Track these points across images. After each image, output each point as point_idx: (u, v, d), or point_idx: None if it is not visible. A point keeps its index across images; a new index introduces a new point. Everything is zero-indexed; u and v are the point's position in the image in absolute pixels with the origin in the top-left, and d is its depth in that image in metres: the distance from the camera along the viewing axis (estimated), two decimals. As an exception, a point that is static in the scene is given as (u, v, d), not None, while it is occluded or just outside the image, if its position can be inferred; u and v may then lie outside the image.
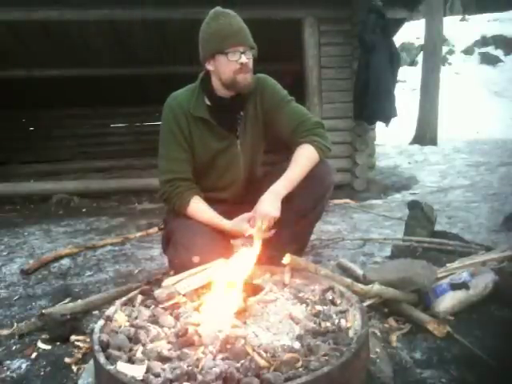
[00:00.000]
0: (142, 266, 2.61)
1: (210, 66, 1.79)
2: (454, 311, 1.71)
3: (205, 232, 1.76)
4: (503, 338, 1.57)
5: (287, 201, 1.71)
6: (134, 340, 1.25)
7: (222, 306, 1.33)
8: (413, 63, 15.46)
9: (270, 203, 1.66)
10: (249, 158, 1.95)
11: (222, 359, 1.13)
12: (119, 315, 1.39)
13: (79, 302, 1.97)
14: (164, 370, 1.09)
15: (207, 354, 1.15)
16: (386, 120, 4.70)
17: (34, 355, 1.60)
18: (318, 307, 1.41)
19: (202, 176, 1.92)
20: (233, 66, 1.72)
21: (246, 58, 1.72)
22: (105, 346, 1.20)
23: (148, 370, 1.09)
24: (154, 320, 1.37)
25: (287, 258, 1.52)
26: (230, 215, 1.79)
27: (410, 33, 14.87)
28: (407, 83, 13.71)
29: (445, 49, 13.85)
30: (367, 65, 4.55)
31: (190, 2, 4.49)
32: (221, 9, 1.77)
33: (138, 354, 1.17)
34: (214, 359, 1.13)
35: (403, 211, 3.31)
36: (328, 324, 1.31)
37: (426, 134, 8.73)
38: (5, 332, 1.79)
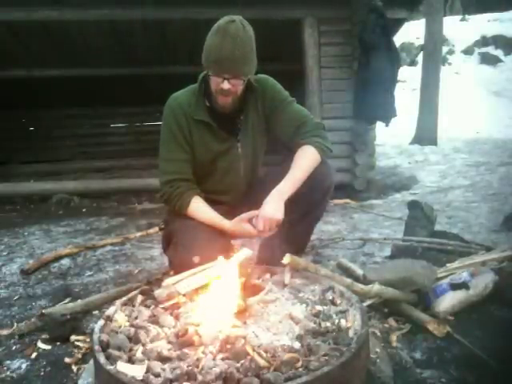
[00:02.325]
0: (142, 265, 2.61)
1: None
2: (454, 311, 1.71)
3: (205, 232, 1.75)
4: (503, 338, 1.57)
5: (288, 201, 1.71)
6: (134, 340, 1.25)
7: (222, 305, 1.33)
8: (413, 63, 15.44)
9: (274, 206, 1.66)
10: (249, 160, 1.95)
11: (222, 359, 1.13)
12: (119, 315, 1.39)
13: (79, 302, 1.97)
14: (164, 369, 1.09)
15: (207, 354, 1.15)
16: (386, 120, 4.70)
17: (34, 355, 1.60)
18: (318, 307, 1.41)
19: (202, 178, 1.92)
20: (215, 84, 1.70)
21: (229, 85, 1.67)
22: (105, 346, 1.20)
23: (148, 370, 1.09)
24: (154, 320, 1.37)
25: (287, 258, 1.52)
26: (230, 216, 1.79)
27: (410, 33, 14.86)
28: (407, 83, 13.70)
29: (445, 49, 13.83)
30: (367, 65, 4.55)
31: (190, 2, 4.50)
32: (231, 20, 1.64)
33: (138, 354, 1.17)
34: (213, 359, 1.13)
35: (403, 211, 3.31)
36: (328, 324, 1.31)
37: (425, 134, 8.72)
38: (5, 332, 1.79)
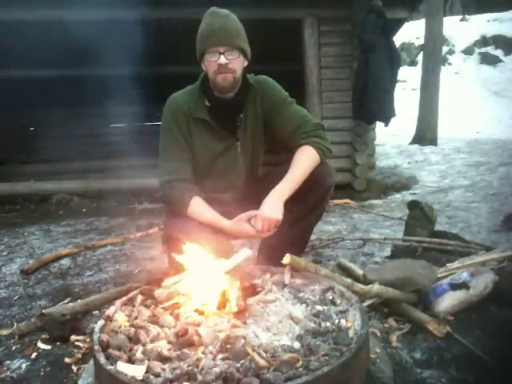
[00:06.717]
0: (142, 266, 2.61)
1: (203, 67, 1.79)
2: (454, 311, 1.71)
3: (205, 232, 1.75)
4: (503, 338, 1.57)
5: (287, 201, 1.71)
6: (134, 340, 1.25)
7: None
8: (413, 63, 15.46)
9: (273, 206, 1.66)
10: (249, 159, 1.95)
11: (222, 359, 1.13)
12: (119, 315, 1.39)
13: (79, 302, 1.97)
14: (164, 370, 1.09)
15: (207, 354, 1.15)
16: (385, 120, 4.70)
17: (34, 355, 1.60)
18: (318, 307, 1.41)
19: (202, 177, 1.92)
20: (212, 66, 1.72)
21: (226, 59, 1.69)
22: (105, 346, 1.20)
23: (148, 370, 1.09)
24: (154, 320, 1.37)
25: (287, 258, 1.52)
26: (230, 216, 1.79)
27: (410, 33, 14.88)
28: (407, 83, 13.72)
29: (445, 49, 13.84)
30: (367, 65, 4.55)
31: (190, 2, 4.50)
32: (214, 9, 1.75)
33: (138, 354, 1.17)
34: (213, 359, 1.13)
35: (403, 211, 3.31)
36: (328, 324, 1.31)
37: (425, 134, 8.72)
38: (5, 332, 1.79)
